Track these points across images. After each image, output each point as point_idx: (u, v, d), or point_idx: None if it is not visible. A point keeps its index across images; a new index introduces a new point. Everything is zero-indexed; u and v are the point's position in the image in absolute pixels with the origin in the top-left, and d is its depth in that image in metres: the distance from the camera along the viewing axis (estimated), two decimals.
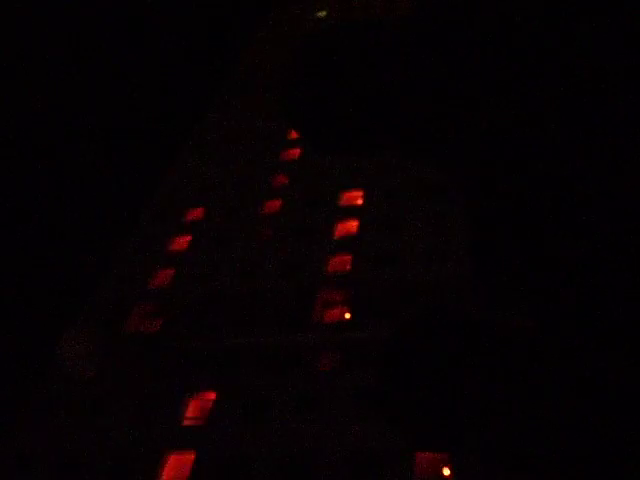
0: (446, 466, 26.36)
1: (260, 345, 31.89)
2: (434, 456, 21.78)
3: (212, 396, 31.97)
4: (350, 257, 36.04)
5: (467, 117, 1.30)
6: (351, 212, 38.86)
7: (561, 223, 1.23)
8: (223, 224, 40.86)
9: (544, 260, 1.28)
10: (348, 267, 35.61)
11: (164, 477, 28.61)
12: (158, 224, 44.27)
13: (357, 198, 39.97)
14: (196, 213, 43.32)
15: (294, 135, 45.92)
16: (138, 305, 36.41)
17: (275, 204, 42.03)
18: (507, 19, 1.24)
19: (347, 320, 33.87)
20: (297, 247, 36.73)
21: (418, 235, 36.18)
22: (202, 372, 32.04)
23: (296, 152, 46.33)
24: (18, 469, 30.71)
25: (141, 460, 29.16)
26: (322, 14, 61.18)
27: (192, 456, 28.86)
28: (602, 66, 1.22)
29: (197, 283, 36.74)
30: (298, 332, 31.27)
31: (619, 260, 1.20)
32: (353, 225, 38.12)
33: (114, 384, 32.74)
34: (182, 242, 42.15)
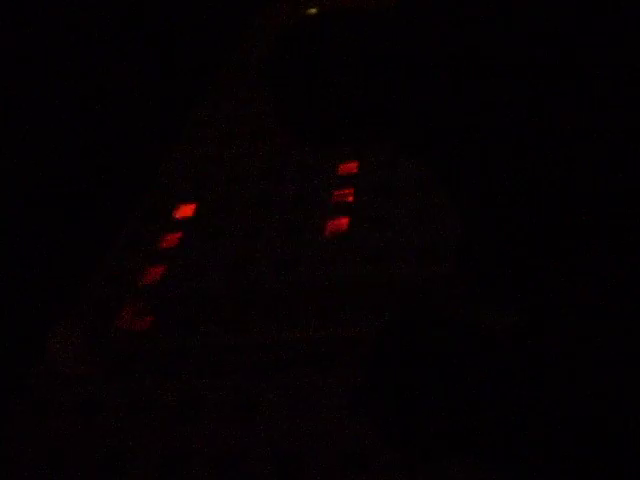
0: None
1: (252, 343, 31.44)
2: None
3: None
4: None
5: (458, 113, 1.28)
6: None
7: (555, 221, 1.22)
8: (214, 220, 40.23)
9: (535, 259, 1.27)
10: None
11: None
12: (149, 221, 43.43)
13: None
14: (187, 210, 42.67)
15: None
16: (129, 302, 35.64)
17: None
18: (505, 6, 1.21)
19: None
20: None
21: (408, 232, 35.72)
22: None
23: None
24: (11, 470, 30.05)
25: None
26: (313, 11, 60.73)
27: None
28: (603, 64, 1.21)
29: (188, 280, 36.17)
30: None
31: (612, 258, 1.19)
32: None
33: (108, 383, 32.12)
34: (173, 239, 41.38)
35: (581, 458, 1.22)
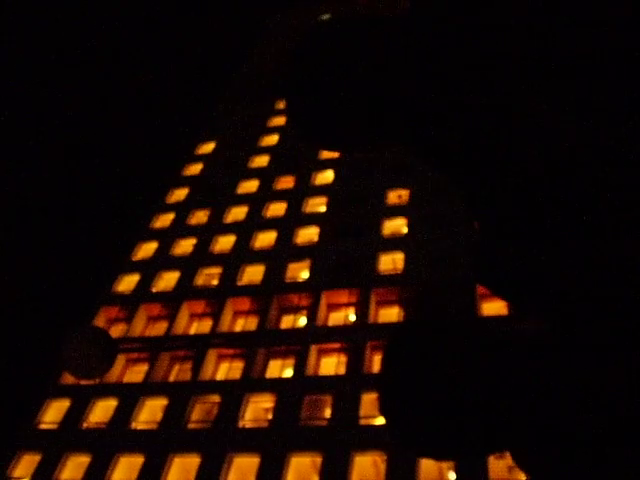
0: (451, 470, 26.30)
1: None
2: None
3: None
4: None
5: (469, 118, 1.27)
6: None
7: (568, 223, 1.20)
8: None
9: (552, 262, 1.25)
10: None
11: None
12: (163, 230, 44.52)
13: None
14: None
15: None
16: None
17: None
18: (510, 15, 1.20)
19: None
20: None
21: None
22: None
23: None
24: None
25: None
26: (326, 17, 61.34)
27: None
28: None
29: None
30: None
31: (628, 261, 1.16)
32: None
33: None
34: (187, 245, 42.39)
35: (594, 462, 1.20)
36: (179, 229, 43.46)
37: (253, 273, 38.12)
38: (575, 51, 1.24)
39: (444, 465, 24.82)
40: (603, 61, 1.21)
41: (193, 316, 37.26)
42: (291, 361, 32.69)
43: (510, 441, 1.32)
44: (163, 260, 41.17)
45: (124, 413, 31.74)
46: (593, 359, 1.22)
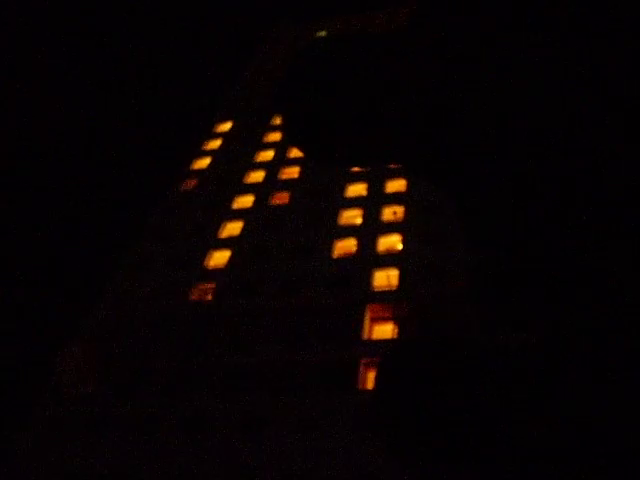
0: None
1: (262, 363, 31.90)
2: None
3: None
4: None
5: (466, 133, 1.27)
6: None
7: (565, 237, 1.20)
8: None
9: (547, 275, 1.25)
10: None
11: None
12: (157, 240, 44.52)
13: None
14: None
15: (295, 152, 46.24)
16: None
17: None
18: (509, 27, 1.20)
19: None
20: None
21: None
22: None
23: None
24: None
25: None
26: (322, 34, 61.74)
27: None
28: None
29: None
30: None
31: (627, 274, 1.16)
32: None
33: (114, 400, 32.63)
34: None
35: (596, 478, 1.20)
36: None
37: None
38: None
39: None
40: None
41: None
42: None
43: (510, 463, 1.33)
44: None
45: None
46: (593, 374, 1.22)
